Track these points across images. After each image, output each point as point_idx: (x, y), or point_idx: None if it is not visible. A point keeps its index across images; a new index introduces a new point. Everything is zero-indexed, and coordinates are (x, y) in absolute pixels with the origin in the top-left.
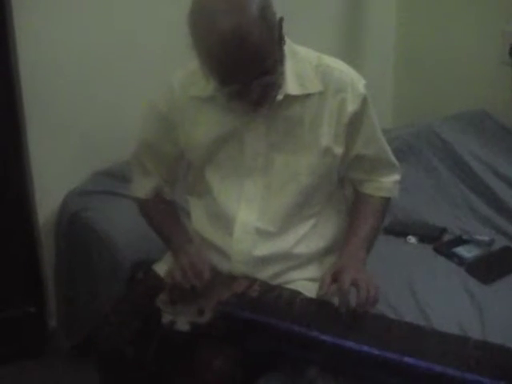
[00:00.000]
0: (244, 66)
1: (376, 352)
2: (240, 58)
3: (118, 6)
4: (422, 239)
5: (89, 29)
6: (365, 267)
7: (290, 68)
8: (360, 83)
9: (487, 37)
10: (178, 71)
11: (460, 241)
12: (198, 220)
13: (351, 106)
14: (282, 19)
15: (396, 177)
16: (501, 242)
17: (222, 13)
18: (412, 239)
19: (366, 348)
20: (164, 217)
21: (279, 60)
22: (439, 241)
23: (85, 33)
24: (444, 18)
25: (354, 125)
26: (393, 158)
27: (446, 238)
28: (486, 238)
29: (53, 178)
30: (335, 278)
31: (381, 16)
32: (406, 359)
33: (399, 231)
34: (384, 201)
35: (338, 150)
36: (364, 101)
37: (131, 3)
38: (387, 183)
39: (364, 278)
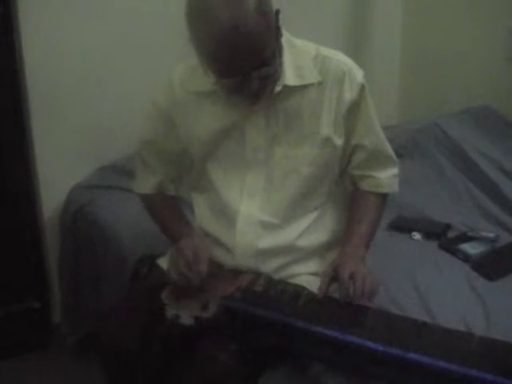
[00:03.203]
0: (241, 57)
1: (380, 348)
2: (237, 50)
3: (122, 2)
4: (427, 235)
5: (93, 24)
6: (364, 263)
7: (288, 59)
8: (358, 73)
9: (493, 33)
10: (177, 67)
11: (465, 237)
12: (202, 215)
13: (349, 95)
14: (278, 11)
15: (394, 170)
16: (506, 239)
17: (218, 5)
18: (417, 235)
19: (370, 344)
20: (167, 212)
21: (277, 51)
22: (444, 237)
23: (89, 28)
24: (449, 14)
25: (352, 114)
26: (391, 151)
27: (451, 234)
28: (491, 235)
29: (57, 173)
30: (335, 274)
31: (387, 13)
32: (410, 355)
33: (404, 227)
34: (382, 197)
35: (338, 141)
36: (362, 90)
37: (135, 1)
38: (385, 179)
39: (361, 272)
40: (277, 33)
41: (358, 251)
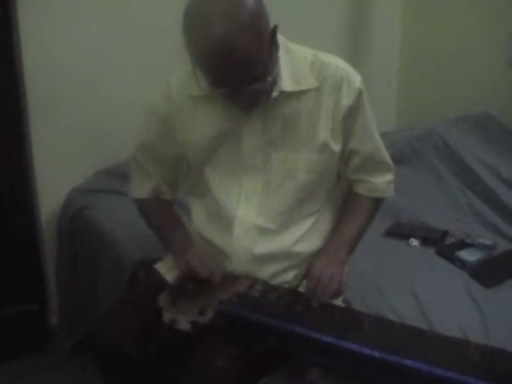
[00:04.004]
0: (232, 73)
1: (377, 354)
2: (228, 66)
3: (122, 6)
4: (425, 242)
5: (92, 28)
6: (342, 265)
7: (284, 65)
8: (356, 78)
9: (492, 39)
10: (175, 72)
11: (462, 244)
12: (199, 220)
13: (346, 100)
14: (276, 27)
15: (389, 177)
16: (503, 246)
17: (212, 20)
18: (414, 242)
19: (366, 350)
20: (163, 217)
21: (270, 68)
22: (441, 244)
23: (89, 32)
24: (449, 20)
25: (350, 119)
26: (387, 157)
27: (449, 241)
28: (489, 242)
29: (55, 176)
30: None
31: (386, 19)
32: (407, 362)
33: (401, 234)
34: (376, 201)
35: (336, 147)
36: (360, 95)
37: (134, 3)
38: (380, 184)
39: (329, 273)
40: (271, 48)
41: (338, 252)
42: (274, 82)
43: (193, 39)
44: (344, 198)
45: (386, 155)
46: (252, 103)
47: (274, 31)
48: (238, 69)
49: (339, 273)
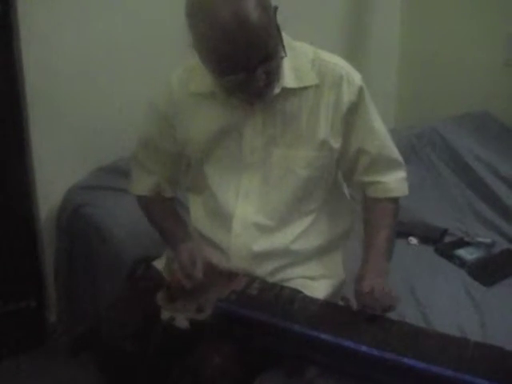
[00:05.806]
0: (247, 52)
1: (375, 352)
2: (242, 44)
3: (123, 3)
4: (424, 240)
5: (92, 25)
6: (385, 275)
7: (286, 61)
8: (356, 76)
9: (491, 38)
10: (176, 69)
11: (461, 243)
12: (197, 217)
13: (347, 98)
14: (276, 8)
15: (401, 174)
16: (502, 245)
17: (220, 3)
18: (413, 240)
19: (364, 348)
20: (163, 214)
21: (279, 45)
22: (440, 242)
23: (88, 29)
24: (448, 19)
25: (351, 117)
26: (396, 155)
27: (448, 239)
28: (488, 240)
29: (54, 173)
30: (355, 287)
31: (385, 17)
32: (405, 360)
33: (400, 232)
34: (393, 201)
35: (335, 144)
36: (360, 93)
37: (136, 1)
38: (393, 183)
39: (380, 287)
40: (277, 27)
41: (378, 262)
42: (281, 73)
43: (202, 28)
44: (362, 206)
45: (395, 152)
46: (264, 90)
47: (274, 12)
48: (251, 45)
49: (387, 284)
